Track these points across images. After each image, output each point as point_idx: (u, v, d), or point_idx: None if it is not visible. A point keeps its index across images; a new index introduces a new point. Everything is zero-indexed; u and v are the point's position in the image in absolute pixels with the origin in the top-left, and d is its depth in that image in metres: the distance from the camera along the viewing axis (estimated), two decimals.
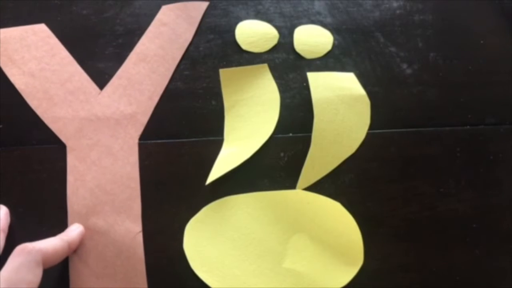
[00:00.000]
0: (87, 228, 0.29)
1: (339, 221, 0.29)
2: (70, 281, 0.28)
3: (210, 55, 0.35)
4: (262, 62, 0.35)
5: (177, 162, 0.31)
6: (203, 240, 0.29)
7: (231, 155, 0.31)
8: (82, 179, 0.30)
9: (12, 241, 0.28)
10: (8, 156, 0.31)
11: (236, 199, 0.30)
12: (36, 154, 0.31)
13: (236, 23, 0.36)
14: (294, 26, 0.37)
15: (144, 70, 0.34)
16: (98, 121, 0.32)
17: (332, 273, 0.28)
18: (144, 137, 0.32)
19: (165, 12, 0.36)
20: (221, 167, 0.30)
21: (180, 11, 0.36)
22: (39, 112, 0.32)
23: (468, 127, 0.33)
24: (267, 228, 0.29)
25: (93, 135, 0.31)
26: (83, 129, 0.32)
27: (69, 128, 0.32)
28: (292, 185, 0.30)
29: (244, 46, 0.35)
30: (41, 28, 0.35)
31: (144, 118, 0.32)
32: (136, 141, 0.32)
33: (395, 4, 0.38)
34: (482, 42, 0.36)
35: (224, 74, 0.34)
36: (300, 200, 0.30)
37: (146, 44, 0.35)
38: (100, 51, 0.34)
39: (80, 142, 0.31)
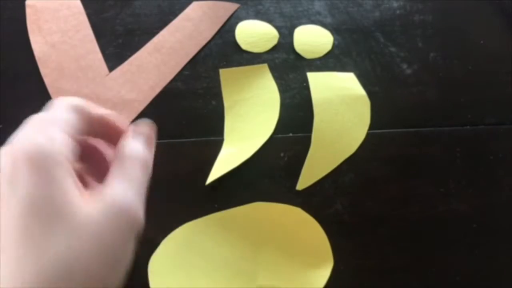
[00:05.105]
0: None
1: (302, 226, 0.29)
2: None
3: (210, 55, 0.35)
4: (262, 62, 0.35)
5: (177, 162, 0.31)
6: (168, 275, 0.27)
7: (231, 155, 0.31)
8: None
9: None
10: None
11: (196, 224, 0.29)
12: None
13: (236, 23, 0.36)
14: (294, 26, 0.37)
15: (156, 61, 0.34)
16: (97, 101, 0.32)
17: (304, 279, 0.27)
18: None
19: (194, 8, 0.37)
20: (221, 167, 0.30)
21: (209, 9, 0.37)
22: (46, 80, 0.33)
23: (468, 127, 0.33)
24: (233, 248, 0.28)
25: None
26: None
27: None
28: (292, 185, 0.30)
29: (244, 46, 0.35)
30: (75, 4, 0.36)
31: (140, 107, 0.33)
32: None
33: (395, 4, 0.38)
34: (482, 42, 0.36)
35: (224, 74, 0.34)
36: (259, 213, 0.29)
37: (166, 36, 0.35)
38: (100, 51, 0.34)
39: None
